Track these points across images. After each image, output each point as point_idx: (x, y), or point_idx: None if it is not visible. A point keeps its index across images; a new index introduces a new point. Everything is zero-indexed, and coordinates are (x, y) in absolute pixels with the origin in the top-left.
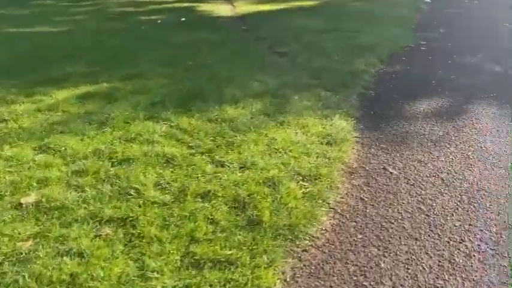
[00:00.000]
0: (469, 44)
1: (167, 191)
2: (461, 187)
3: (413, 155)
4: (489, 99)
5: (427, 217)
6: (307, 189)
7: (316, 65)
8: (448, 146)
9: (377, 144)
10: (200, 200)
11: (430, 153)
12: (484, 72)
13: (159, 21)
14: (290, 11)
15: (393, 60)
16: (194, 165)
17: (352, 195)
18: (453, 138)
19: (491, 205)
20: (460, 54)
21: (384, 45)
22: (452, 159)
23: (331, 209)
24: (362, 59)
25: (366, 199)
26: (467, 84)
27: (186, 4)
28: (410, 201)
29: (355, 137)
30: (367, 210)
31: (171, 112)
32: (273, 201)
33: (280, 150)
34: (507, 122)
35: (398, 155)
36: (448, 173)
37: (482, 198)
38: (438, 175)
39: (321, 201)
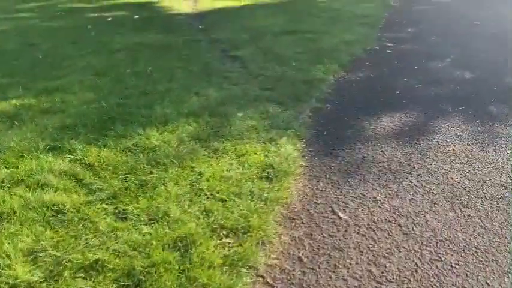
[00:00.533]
0: (438, 46)
1: (40, 265)
2: (422, 237)
3: (368, 191)
4: (458, 114)
5: (378, 286)
6: (230, 250)
7: (270, 73)
8: (409, 177)
9: (327, 176)
10: (82, 276)
11: (389, 187)
12: (452, 80)
13: (109, 19)
14: (254, 8)
15: (356, 65)
16: (87, 219)
17: (289, 253)
18: (416, 166)
19: (457, 264)
20: (428, 58)
21: (347, 48)
22: (414, 196)
23: (259, 278)
24: (321, 65)
25: (305, 260)
26: (434, 95)
27: (145, 0)
28: (359, 260)
29: (302, 166)
30: (305, 278)
31: (81, 139)
32: (179, 275)
33: (206, 191)
34: (477, 143)
35: (351, 191)
36: (407, 217)
37: (447, 253)
38: (396, 220)
39: (246, 268)
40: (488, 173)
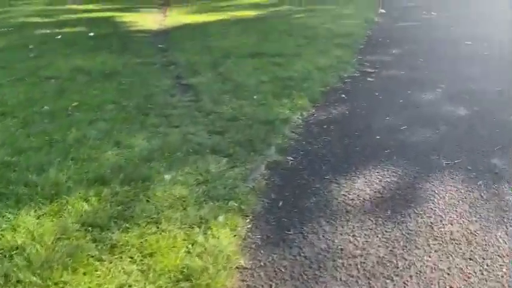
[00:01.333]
0: (426, 71)
1: None
2: None
3: None
4: (454, 171)
5: None
6: None
7: (224, 109)
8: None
9: (272, 286)
10: None
11: None
12: (444, 118)
13: (59, 36)
14: (225, 24)
15: (329, 99)
16: None
17: None
18: (400, 265)
19: None
20: (415, 87)
21: (320, 75)
22: None
23: None
24: (288, 100)
25: None
26: (423, 141)
27: (110, 14)
28: None
29: (240, 269)
30: None
31: None
32: None
33: None
34: (482, 221)
35: None
36: None
37: None
38: None
39: None
40: (502, 276)
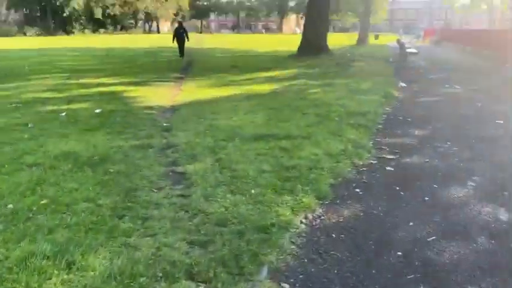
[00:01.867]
0: (454, 158)
1: None
2: None
3: None
4: None
5: None
6: None
7: (214, 208)
8: None
9: None
10: None
11: None
12: (483, 227)
13: (63, 113)
14: (236, 100)
15: (341, 195)
16: None
17: None
18: None
19: None
20: (442, 181)
21: (332, 164)
22: None
23: None
24: (291, 196)
25: None
26: (456, 262)
27: (124, 88)
28: None
29: None
30: None
31: None
32: None
33: None
34: None
35: None
36: None
37: None
38: None
39: None
40: None
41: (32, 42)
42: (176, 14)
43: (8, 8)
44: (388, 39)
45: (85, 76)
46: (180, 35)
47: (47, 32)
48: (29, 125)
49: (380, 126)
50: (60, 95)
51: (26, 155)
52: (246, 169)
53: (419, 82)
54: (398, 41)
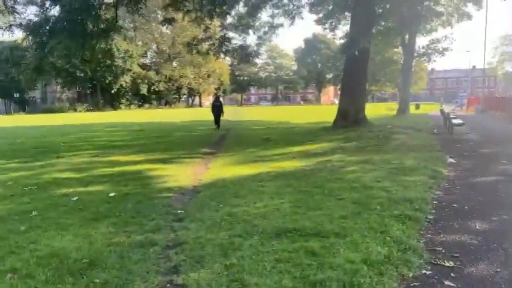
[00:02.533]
0: None
1: None
2: None
3: None
4: None
5: None
6: None
7: None
8: None
9: None
10: None
11: None
12: None
13: (75, 198)
14: (263, 179)
15: None
16: None
17: None
18: None
19: None
20: None
21: (373, 276)
22: None
23: None
24: None
25: None
26: None
27: (149, 166)
28: None
29: None
30: None
31: None
32: None
33: None
34: None
35: None
36: None
37: None
38: None
39: None
40: None
41: (78, 117)
42: (218, 89)
43: (63, 87)
44: (429, 109)
45: (113, 153)
46: (216, 107)
47: (96, 107)
48: (33, 213)
49: (431, 217)
50: (81, 175)
51: (10, 255)
52: (260, 283)
53: (471, 157)
54: (442, 111)
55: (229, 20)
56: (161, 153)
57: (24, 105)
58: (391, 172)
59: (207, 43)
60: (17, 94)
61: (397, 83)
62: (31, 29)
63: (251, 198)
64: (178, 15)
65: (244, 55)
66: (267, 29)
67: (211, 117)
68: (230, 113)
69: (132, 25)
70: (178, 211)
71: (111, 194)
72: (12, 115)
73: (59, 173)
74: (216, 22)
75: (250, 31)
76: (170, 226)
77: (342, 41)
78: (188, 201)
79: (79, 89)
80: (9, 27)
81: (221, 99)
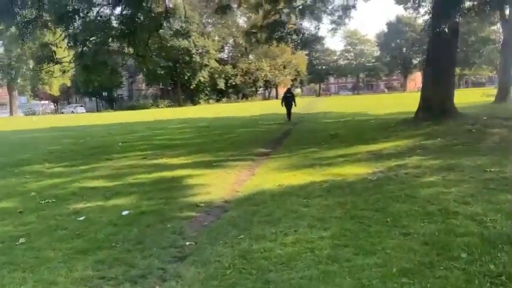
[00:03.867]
0: None
1: None
2: None
3: None
4: None
5: None
6: None
7: None
8: None
9: None
10: None
11: None
12: None
13: (82, 217)
14: (312, 193)
15: None
16: None
17: None
18: None
19: None
20: None
21: None
22: None
23: None
24: None
25: None
26: None
27: (190, 172)
28: None
29: None
30: None
31: None
32: None
33: None
34: None
35: None
36: None
37: None
38: None
39: None
40: None
41: (156, 113)
42: (294, 80)
43: (147, 84)
44: None
45: (164, 154)
46: (287, 99)
47: (177, 103)
48: (20, 241)
49: None
50: (112, 184)
51: None
52: None
53: None
54: None
55: (299, 2)
56: (212, 154)
57: (112, 103)
58: (485, 186)
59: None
60: (105, 93)
61: (495, 65)
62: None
63: (284, 226)
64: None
65: (301, 41)
66: (340, 12)
67: (282, 110)
68: (303, 105)
69: (210, 20)
70: (187, 242)
71: (124, 213)
72: (100, 112)
73: (91, 180)
74: (279, 6)
75: (323, 16)
76: (162, 270)
77: (425, 19)
78: (209, 224)
79: (162, 86)
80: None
81: (294, 90)
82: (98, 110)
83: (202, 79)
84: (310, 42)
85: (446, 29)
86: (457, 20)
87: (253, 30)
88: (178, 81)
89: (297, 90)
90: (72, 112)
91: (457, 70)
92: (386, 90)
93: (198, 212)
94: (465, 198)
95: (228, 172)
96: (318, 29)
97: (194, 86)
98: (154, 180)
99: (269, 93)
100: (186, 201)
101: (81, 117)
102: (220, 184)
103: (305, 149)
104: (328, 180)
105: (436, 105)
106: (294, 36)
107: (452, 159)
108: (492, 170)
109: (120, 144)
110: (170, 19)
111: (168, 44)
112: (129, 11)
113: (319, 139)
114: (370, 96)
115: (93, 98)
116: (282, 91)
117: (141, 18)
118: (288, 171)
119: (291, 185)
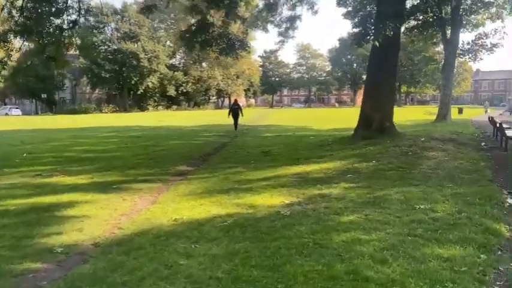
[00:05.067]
0: None
1: None
2: None
3: None
4: None
5: None
6: None
7: None
8: None
9: None
10: None
11: None
12: None
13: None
14: (205, 236)
15: None
16: None
17: None
18: None
19: None
20: None
21: None
22: None
23: None
24: None
25: None
26: None
27: (71, 197)
28: None
29: None
30: None
31: None
32: None
33: None
34: None
35: None
36: None
37: None
38: None
39: None
40: None
41: (95, 119)
42: (247, 90)
43: (92, 88)
44: (473, 113)
45: (66, 171)
46: (234, 110)
47: (123, 108)
48: None
49: None
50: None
51: None
52: None
53: None
54: (491, 120)
55: (246, 15)
56: (121, 172)
57: (52, 106)
58: (411, 232)
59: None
60: (45, 95)
61: (438, 84)
62: None
63: None
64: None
65: (227, 47)
66: (288, 24)
67: (229, 120)
68: (253, 117)
69: (162, 25)
70: None
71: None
72: (38, 115)
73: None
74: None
75: (270, 27)
76: None
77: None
78: (44, 287)
79: (107, 90)
80: None
81: (248, 100)
82: (36, 113)
83: (150, 84)
84: (235, 48)
85: (384, 43)
86: (389, 34)
87: (187, 34)
88: (124, 86)
89: (250, 101)
90: (6, 114)
91: (404, 88)
92: (337, 104)
93: (47, 262)
94: (384, 253)
95: (125, 198)
96: (246, 34)
97: (142, 91)
98: (24, 209)
99: (222, 102)
100: (41, 244)
101: (10, 120)
102: (103, 216)
103: (230, 169)
104: (235, 214)
105: (375, 122)
106: (218, 40)
107: (381, 190)
108: (422, 206)
109: (24, 155)
110: (89, 16)
111: (114, 48)
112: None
113: (250, 156)
114: (320, 110)
115: (34, 100)
116: (238, 101)
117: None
118: (196, 198)
119: (189, 220)
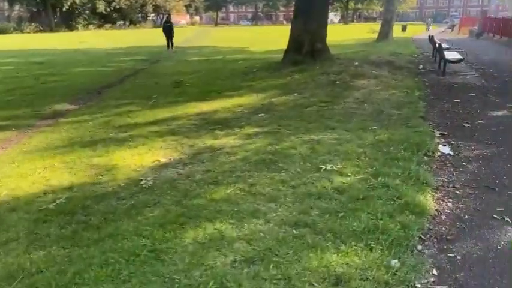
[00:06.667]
0: None
1: None
2: None
3: None
4: None
5: None
6: None
7: None
8: None
9: None
10: None
11: None
12: None
13: None
14: (23, 220)
15: None
16: None
17: None
18: None
19: None
20: None
21: None
22: None
23: None
24: None
25: None
26: None
27: None
28: None
29: None
30: None
31: None
32: None
33: None
34: None
35: None
36: None
37: None
38: None
39: None
40: None
41: (4, 40)
42: (189, 6)
43: (10, 4)
44: (417, 30)
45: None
46: (166, 28)
47: (48, 28)
48: None
49: None
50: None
51: None
52: None
53: (481, 133)
54: (431, 39)
55: None
56: None
57: None
58: (299, 221)
59: None
60: None
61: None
62: None
63: None
64: None
65: None
66: None
67: (159, 41)
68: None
69: None
70: None
71: None
72: None
73: None
74: None
75: None
76: None
77: None
78: None
79: (28, 6)
80: None
81: (186, 20)
82: None
83: (77, 0)
84: None
85: None
86: None
87: None
88: (47, 1)
89: (195, 19)
90: None
91: (351, 4)
92: (285, 22)
93: None
94: (244, 271)
95: None
96: None
97: (68, 7)
98: None
99: (161, 20)
100: None
101: None
102: None
103: (121, 107)
104: (78, 185)
105: (306, 45)
106: None
107: (288, 138)
108: (328, 167)
109: None
110: None
111: None
112: None
113: (157, 88)
114: (266, 28)
115: None
116: (180, 18)
117: None
118: (47, 156)
119: (5, 200)
